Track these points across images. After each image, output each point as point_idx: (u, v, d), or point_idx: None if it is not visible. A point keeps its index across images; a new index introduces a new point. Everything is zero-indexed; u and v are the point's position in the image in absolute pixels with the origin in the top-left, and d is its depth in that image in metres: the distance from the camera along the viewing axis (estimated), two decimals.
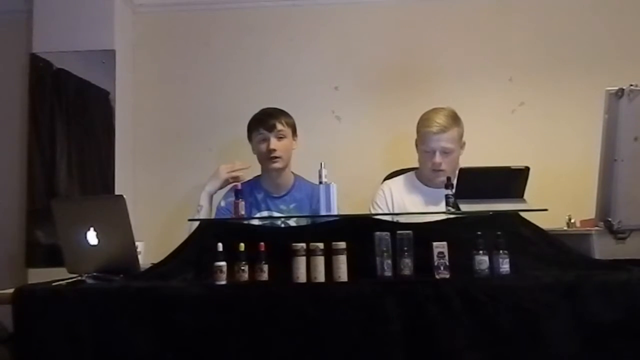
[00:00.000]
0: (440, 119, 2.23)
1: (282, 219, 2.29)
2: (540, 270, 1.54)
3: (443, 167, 2.23)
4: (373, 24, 3.02)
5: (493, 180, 1.69)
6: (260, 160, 2.37)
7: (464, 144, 2.31)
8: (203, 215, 2.29)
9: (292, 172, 2.42)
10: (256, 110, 2.41)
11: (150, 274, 1.68)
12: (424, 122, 2.27)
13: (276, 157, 2.31)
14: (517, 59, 2.94)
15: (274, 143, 2.31)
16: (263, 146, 2.32)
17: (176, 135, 3.04)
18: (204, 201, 2.35)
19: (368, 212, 2.34)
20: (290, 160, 2.39)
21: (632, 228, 1.65)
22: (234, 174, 2.38)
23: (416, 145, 2.34)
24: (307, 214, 2.35)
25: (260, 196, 2.37)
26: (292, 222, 2.28)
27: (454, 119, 2.26)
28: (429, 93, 2.87)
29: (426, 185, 2.32)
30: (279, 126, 2.32)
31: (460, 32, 2.98)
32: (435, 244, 1.51)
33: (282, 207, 2.37)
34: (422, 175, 2.34)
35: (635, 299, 1.44)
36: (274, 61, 3.03)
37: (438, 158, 2.22)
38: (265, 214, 2.34)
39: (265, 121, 2.33)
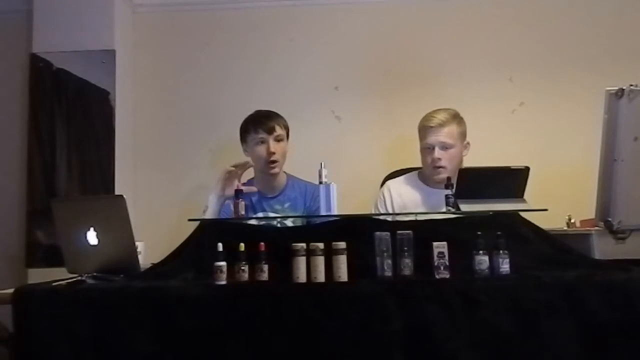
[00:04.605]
0: (439, 115, 2.25)
1: (280, 219, 2.27)
2: (540, 270, 1.54)
3: (443, 163, 2.22)
4: (373, 24, 3.02)
5: (493, 180, 1.69)
6: (257, 163, 2.32)
7: (468, 144, 2.31)
8: (207, 216, 2.23)
9: (285, 172, 2.41)
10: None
11: (150, 274, 1.68)
12: (423, 119, 2.29)
13: (275, 162, 2.29)
14: (517, 59, 2.94)
15: (273, 146, 2.28)
16: (261, 149, 2.29)
17: (176, 135, 3.04)
18: (210, 202, 2.24)
19: (369, 213, 2.34)
20: (284, 163, 2.36)
21: (632, 228, 1.65)
22: (230, 168, 2.21)
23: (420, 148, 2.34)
24: (302, 213, 2.34)
25: (254, 198, 2.34)
26: (289, 222, 2.27)
27: (454, 117, 2.27)
28: (428, 93, 2.88)
29: (428, 185, 2.32)
30: (278, 129, 2.30)
31: (460, 32, 2.98)
32: (435, 244, 1.51)
33: (277, 207, 2.35)
34: (424, 175, 2.34)
35: (635, 299, 1.44)
36: (274, 61, 3.03)
37: (437, 153, 2.22)
38: (260, 215, 2.32)
39: (264, 123, 2.30)
